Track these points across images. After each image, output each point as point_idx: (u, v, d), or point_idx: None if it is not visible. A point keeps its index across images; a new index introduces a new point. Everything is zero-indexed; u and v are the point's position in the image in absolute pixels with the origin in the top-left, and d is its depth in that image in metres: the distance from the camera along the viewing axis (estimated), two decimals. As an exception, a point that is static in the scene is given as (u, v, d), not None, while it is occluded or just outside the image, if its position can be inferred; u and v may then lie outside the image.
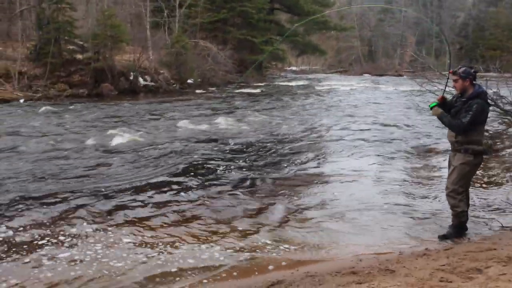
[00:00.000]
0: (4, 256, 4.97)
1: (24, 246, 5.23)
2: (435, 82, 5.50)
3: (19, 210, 6.40)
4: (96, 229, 5.77)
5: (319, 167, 9.31)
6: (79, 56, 26.69)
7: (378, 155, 10.20)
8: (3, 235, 5.52)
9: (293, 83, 36.03)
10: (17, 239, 5.43)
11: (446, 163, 5.89)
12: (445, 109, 5.47)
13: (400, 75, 47.15)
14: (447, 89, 5.99)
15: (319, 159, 9.95)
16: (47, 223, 5.96)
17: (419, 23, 63.67)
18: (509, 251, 4.59)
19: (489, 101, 5.59)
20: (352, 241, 5.55)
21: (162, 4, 31.71)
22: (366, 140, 11.91)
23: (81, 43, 26.65)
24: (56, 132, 12.83)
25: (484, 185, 7.66)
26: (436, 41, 61.57)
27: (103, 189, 7.42)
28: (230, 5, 38.37)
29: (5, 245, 5.23)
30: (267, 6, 43.30)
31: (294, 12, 48.41)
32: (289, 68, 68.50)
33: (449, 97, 5.73)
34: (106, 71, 25.39)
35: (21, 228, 5.73)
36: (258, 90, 28.96)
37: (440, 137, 11.19)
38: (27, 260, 4.90)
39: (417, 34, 61.99)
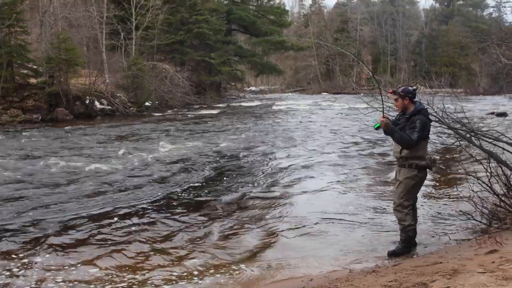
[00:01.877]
0: None
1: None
2: (379, 100, 5.62)
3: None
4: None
5: (274, 186, 9.35)
6: (33, 81, 26.14)
7: (336, 172, 10.36)
8: None
9: (251, 103, 36.28)
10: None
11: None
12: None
13: (357, 93, 47.94)
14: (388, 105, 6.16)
15: (274, 178, 10.00)
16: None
17: (374, 42, 65.34)
18: (454, 264, 4.68)
19: (430, 117, 5.78)
20: (305, 260, 5.56)
21: (119, 27, 31.47)
22: (323, 159, 12.08)
23: (35, 67, 26.11)
24: (7, 157, 12.50)
25: (432, 199, 7.84)
26: (392, 58, 63.19)
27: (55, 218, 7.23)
28: (187, 26, 38.48)
29: None
30: (224, 28, 43.63)
31: (252, 33, 48.95)
32: (249, 88, 68.99)
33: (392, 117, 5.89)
34: (61, 95, 24.91)
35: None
36: (215, 111, 29.01)
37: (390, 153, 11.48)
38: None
39: (373, 52, 63.59)
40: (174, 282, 4.99)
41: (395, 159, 5.78)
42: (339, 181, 9.51)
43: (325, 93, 54.25)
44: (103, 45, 30.31)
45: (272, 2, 53.47)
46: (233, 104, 36.50)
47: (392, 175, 9.82)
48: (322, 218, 6.97)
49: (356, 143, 14.79)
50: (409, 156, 5.46)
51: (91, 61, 30.17)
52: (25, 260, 5.58)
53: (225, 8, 45.94)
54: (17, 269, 5.32)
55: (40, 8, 27.67)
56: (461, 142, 6.88)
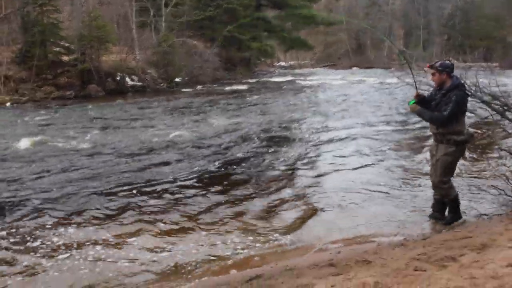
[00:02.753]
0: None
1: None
2: (411, 75, 5.55)
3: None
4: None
5: (305, 161, 9.40)
6: (65, 58, 26.58)
7: (371, 147, 10.33)
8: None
9: (280, 79, 36.07)
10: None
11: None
12: (425, 104, 5.54)
13: (388, 67, 47.29)
14: (426, 81, 6.09)
15: (311, 154, 10.05)
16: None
17: (406, 15, 63.99)
18: (483, 238, 4.66)
19: (467, 91, 5.66)
20: (334, 233, 5.63)
21: (148, 4, 31.58)
22: (359, 133, 12.06)
23: (67, 44, 26.49)
24: (45, 134, 12.83)
25: (463, 173, 7.77)
26: (424, 32, 61.83)
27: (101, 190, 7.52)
28: (216, 2, 38.29)
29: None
30: (254, 3, 43.23)
31: (281, 8, 48.39)
32: (278, 64, 68.50)
33: (425, 92, 5.82)
34: (93, 72, 25.32)
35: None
36: (245, 87, 28.97)
37: (424, 128, 11.34)
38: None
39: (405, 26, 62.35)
40: (214, 253, 5.16)
41: (432, 134, 5.73)
42: (374, 156, 9.50)
43: (356, 68, 53.57)
44: (133, 22, 30.51)
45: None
46: (263, 79, 36.36)
47: (421, 150, 9.84)
48: (355, 192, 7.03)
49: (390, 117, 14.63)
50: (447, 132, 5.37)
51: (121, 38, 30.45)
52: (70, 227, 5.89)
53: (254, -17, 45.49)
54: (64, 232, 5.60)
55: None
56: (495, 117, 6.76)
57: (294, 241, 5.44)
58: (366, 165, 8.80)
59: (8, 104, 21.11)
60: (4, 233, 5.72)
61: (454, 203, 5.64)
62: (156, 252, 5.20)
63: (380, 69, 45.70)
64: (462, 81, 5.65)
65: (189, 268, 4.79)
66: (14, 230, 5.83)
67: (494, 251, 4.24)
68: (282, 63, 70.97)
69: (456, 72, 5.55)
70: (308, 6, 48.79)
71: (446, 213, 5.73)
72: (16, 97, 22.39)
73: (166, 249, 5.27)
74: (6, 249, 5.30)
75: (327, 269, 4.34)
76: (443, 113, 5.26)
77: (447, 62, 5.49)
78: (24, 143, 11.23)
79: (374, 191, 7.06)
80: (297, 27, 50.99)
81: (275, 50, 52.72)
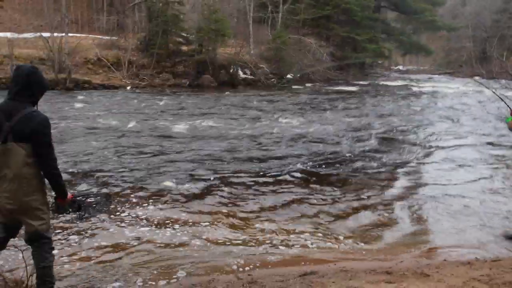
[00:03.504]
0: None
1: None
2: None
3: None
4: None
5: (404, 169, 9.35)
6: (185, 48, 28.03)
7: (464, 160, 10.00)
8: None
9: (393, 83, 35.11)
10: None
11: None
12: None
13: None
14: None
15: (410, 160, 9.96)
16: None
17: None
18: (562, 268, 4.45)
19: None
20: (407, 243, 5.63)
21: (267, 0, 32.31)
22: (461, 146, 11.69)
23: (186, 35, 27.92)
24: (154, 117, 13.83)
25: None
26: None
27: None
28: (334, 2, 38.15)
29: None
30: (373, 4, 42.53)
31: (402, 10, 47.20)
32: (396, 67, 66.80)
33: None
34: (208, 63, 26.46)
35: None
36: (355, 88, 28.63)
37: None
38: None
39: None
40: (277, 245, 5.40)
41: None
42: (472, 170, 9.20)
43: (478, 77, 50.87)
44: (250, 17, 31.34)
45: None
46: (375, 82, 35.68)
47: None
48: (447, 204, 6.89)
49: (490, 134, 13.94)
50: None
51: (239, 32, 31.43)
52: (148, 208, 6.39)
53: (375, -16, 44.77)
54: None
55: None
56: None
57: (360, 245, 5.50)
58: (465, 179, 8.54)
59: (128, 88, 22.73)
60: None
61: None
62: (220, 239, 5.52)
63: (505, 80, 42.98)
64: None
65: (247, 258, 5.03)
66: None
67: None
68: (400, 67, 69.13)
69: None
70: (430, 10, 47.15)
71: None
72: (136, 81, 24.08)
73: (231, 238, 5.52)
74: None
75: (382, 276, 4.37)
76: None
77: None
78: (133, 124, 12.25)
79: (466, 206, 6.87)
80: (417, 30, 49.50)
81: (393, 53, 51.53)
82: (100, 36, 28.93)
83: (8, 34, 25.13)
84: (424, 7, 45.13)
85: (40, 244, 3.34)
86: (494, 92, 6.60)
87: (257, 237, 5.59)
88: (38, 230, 3.29)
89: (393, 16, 51.21)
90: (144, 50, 26.27)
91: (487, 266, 4.69)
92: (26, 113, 3.17)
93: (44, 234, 3.33)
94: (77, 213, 3.86)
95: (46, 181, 3.33)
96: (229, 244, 5.34)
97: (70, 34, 25.56)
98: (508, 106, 5.38)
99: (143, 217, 5.95)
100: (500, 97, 6.15)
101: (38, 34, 23.82)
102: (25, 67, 3.35)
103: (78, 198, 3.88)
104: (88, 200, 4.05)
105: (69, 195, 3.58)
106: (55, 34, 23.50)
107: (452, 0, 69.76)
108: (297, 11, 34.77)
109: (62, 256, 4.73)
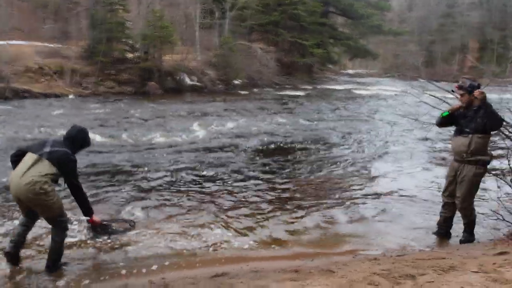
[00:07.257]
0: None
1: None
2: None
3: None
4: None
5: (350, 168, 9.54)
6: (130, 55, 27.72)
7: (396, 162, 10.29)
8: None
9: (339, 87, 35.75)
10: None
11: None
12: (449, 121, 5.62)
13: (457, 81, 45.77)
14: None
15: (346, 162, 10.17)
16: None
17: (481, 29, 61.67)
18: (455, 261, 4.63)
19: None
20: (328, 243, 5.78)
21: (213, 6, 32.34)
22: (392, 148, 12.03)
23: (131, 42, 27.63)
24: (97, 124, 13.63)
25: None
26: (499, 47, 59.33)
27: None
28: (282, 7, 38.55)
29: None
30: (320, 9, 43.15)
31: (349, 16, 48.09)
32: (345, 72, 67.94)
33: None
34: (154, 70, 26.28)
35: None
36: (301, 93, 29.05)
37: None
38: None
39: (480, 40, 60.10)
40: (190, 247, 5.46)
41: (455, 154, 5.61)
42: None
43: (423, 80, 52.23)
44: (196, 24, 31.32)
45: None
46: (321, 86, 36.20)
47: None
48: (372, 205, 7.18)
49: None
50: (477, 152, 5.32)
51: (188, 39, 31.35)
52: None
53: (323, -10, 45.40)
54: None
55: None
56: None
57: (277, 247, 5.60)
58: (399, 177, 8.83)
59: (71, 96, 22.31)
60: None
61: (473, 224, 5.70)
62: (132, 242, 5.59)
63: (447, 83, 44.32)
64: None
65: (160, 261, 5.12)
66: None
67: (457, 274, 4.24)
68: (350, 71, 70.32)
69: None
70: (377, 15, 48.21)
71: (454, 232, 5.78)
72: (79, 89, 23.64)
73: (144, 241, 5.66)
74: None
75: (289, 275, 4.49)
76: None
77: (474, 83, 5.46)
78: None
79: (399, 203, 7.13)
80: (365, 35, 50.51)
81: (341, 57, 52.37)
82: (44, 44, 28.23)
83: None
84: (371, 12, 46.13)
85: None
86: (432, 95, 6.92)
87: (171, 239, 5.65)
88: None
89: (341, 21, 52.08)
90: (88, 57, 25.81)
91: (391, 261, 4.88)
92: None
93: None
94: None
95: None
96: (142, 248, 5.37)
97: (11, 42, 24.89)
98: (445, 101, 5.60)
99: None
100: (436, 97, 6.48)
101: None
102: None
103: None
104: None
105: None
106: (-5, 42, 22.87)
107: (399, 6, 71.65)
108: (245, 17, 34.92)
109: None
